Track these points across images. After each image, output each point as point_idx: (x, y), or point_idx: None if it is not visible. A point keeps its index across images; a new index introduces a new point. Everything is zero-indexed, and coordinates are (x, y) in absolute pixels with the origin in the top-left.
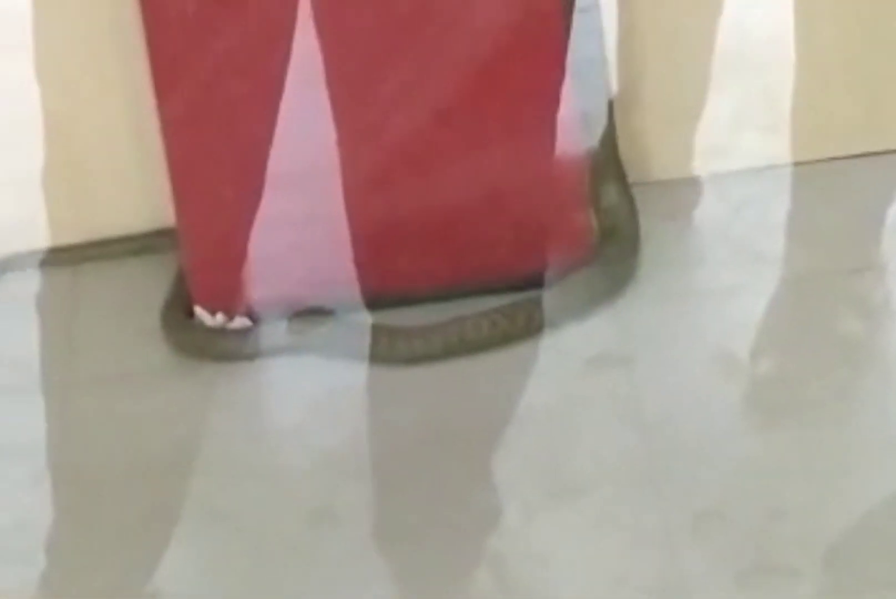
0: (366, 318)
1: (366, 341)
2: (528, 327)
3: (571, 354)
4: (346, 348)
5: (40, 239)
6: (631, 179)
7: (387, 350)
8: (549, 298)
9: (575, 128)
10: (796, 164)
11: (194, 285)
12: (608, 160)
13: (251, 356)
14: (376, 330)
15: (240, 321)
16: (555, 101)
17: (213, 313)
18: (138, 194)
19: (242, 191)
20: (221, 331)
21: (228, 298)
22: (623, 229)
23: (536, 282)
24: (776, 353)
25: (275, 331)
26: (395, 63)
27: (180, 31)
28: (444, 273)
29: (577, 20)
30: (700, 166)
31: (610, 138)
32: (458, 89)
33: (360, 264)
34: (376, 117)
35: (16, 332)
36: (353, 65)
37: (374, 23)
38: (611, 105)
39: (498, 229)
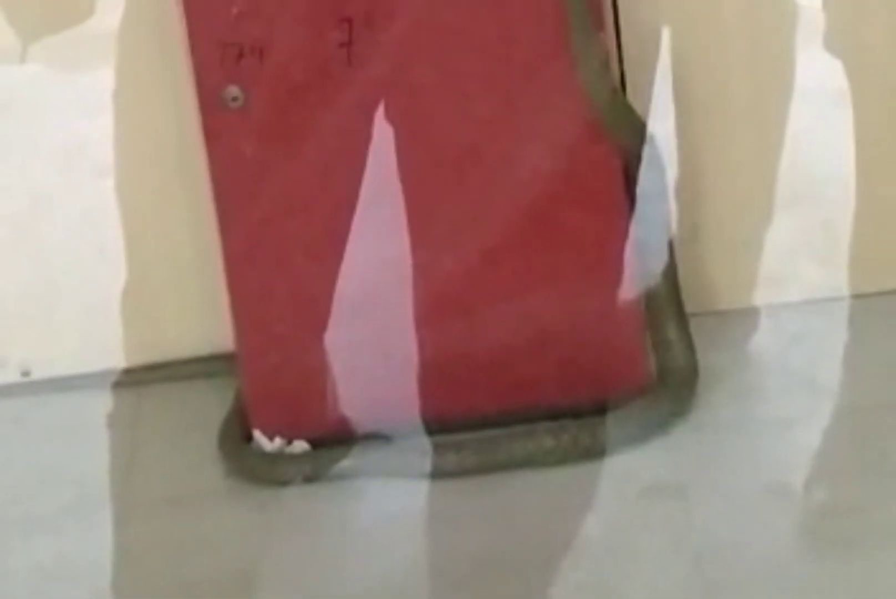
0: (423, 442)
1: (426, 460)
2: (590, 448)
3: (627, 481)
4: (406, 468)
5: (107, 360)
6: (690, 308)
7: (455, 463)
8: (607, 424)
9: (633, 259)
10: (854, 296)
11: (253, 410)
12: (668, 294)
13: (309, 480)
14: (442, 444)
15: (298, 445)
16: (613, 236)
17: (271, 437)
18: (201, 320)
19: (302, 323)
20: (280, 455)
21: (287, 423)
22: (681, 362)
23: (594, 410)
24: (831, 484)
25: (333, 455)
26: (451, 209)
27: (245, 165)
28: (502, 401)
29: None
30: (759, 297)
31: (670, 271)
32: (515, 226)
33: (417, 390)
34: (433, 255)
35: (80, 451)
36: (413, 210)
37: (430, 163)
38: (671, 239)
39: (555, 358)
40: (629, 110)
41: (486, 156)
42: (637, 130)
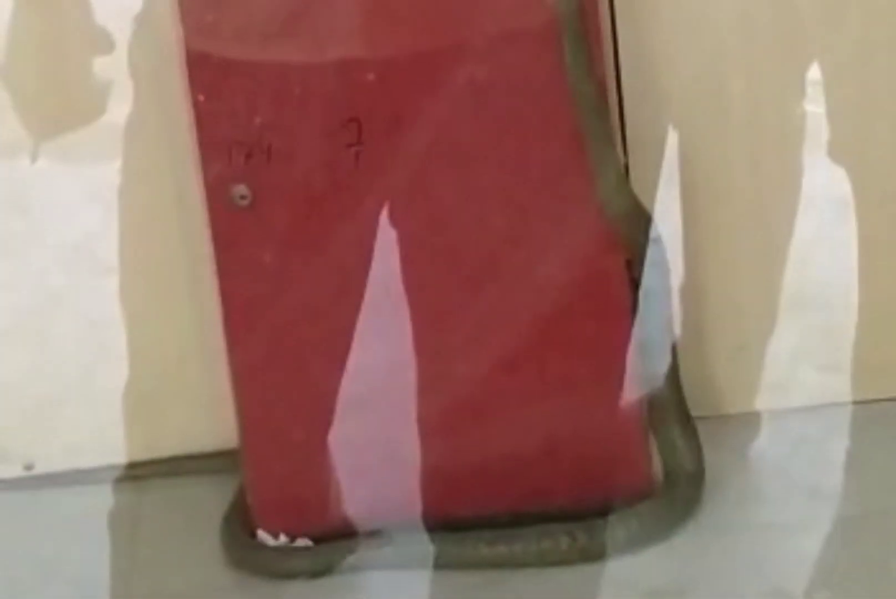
0: (427, 540)
1: (431, 554)
2: (600, 550)
3: (629, 584)
4: (411, 562)
5: (110, 456)
6: (693, 412)
7: (469, 554)
8: (610, 527)
9: (637, 365)
10: (856, 402)
11: (257, 508)
12: (672, 398)
13: (313, 575)
14: (457, 536)
15: (301, 542)
16: (617, 345)
17: (275, 535)
18: (203, 416)
19: (307, 427)
20: (283, 550)
21: (291, 520)
22: (687, 466)
23: (599, 513)
24: (831, 590)
25: (339, 549)
26: (462, 316)
27: (251, 265)
28: (506, 502)
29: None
30: (761, 402)
31: (674, 375)
32: (524, 335)
33: (422, 489)
34: (444, 359)
35: (82, 546)
36: (423, 316)
37: (441, 265)
38: (675, 343)
39: (559, 463)
40: (643, 215)
41: (500, 265)
42: (647, 231)
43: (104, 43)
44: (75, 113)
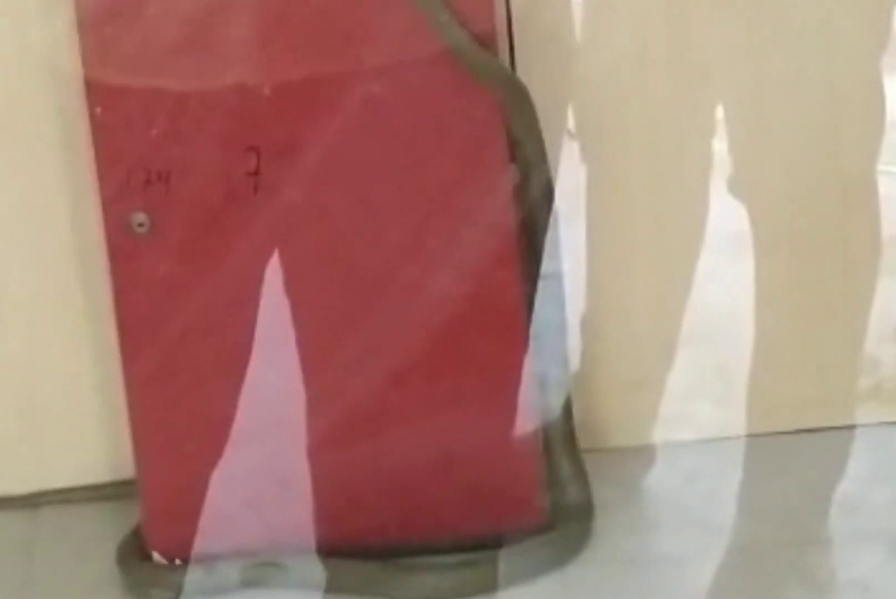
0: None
1: (323, 580)
2: (486, 584)
3: None
4: (302, 583)
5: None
6: (586, 445)
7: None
8: (501, 560)
9: (532, 395)
10: (748, 436)
11: (151, 534)
12: (563, 430)
13: (207, 593)
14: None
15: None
16: (512, 371)
17: (170, 560)
18: (99, 445)
19: (202, 446)
20: (177, 569)
21: (186, 547)
22: (575, 499)
23: (489, 544)
24: None
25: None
26: (356, 328)
27: (149, 292)
28: (398, 530)
29: (540, 287)
30: (654, 435)
31: (567, 407)
32: (418, 356)
33: (315, 519)
34: (337, 380)
35: None
36: (317, 328)
37: (338, 290)
38: (569, 374)
39: (451, 492)
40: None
41: (395, 281)
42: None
43: None
44: None
